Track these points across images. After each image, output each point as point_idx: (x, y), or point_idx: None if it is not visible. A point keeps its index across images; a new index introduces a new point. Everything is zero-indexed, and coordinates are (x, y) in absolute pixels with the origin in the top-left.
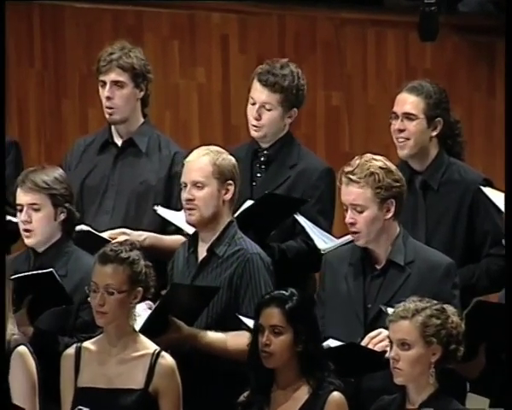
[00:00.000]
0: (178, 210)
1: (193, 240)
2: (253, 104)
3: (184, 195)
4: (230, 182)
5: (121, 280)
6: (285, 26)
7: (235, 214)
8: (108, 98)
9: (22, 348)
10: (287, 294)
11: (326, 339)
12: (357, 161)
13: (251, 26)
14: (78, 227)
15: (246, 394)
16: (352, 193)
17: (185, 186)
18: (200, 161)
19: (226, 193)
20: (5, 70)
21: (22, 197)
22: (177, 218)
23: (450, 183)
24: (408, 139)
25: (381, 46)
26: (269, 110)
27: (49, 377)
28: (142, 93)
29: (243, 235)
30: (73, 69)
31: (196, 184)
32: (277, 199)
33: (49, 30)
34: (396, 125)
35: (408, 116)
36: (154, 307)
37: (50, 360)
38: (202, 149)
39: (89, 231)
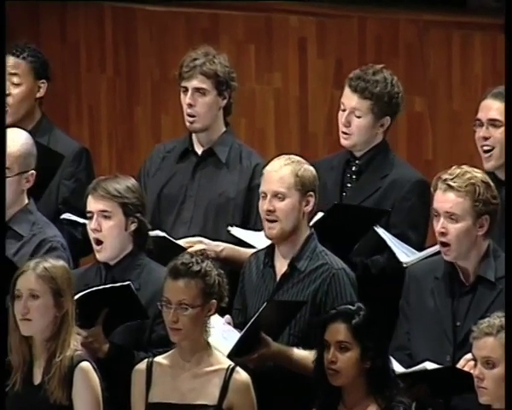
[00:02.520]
0: (257, 224)
1: (268, 253)
2: (343, 110)
3: (264, 206)
4: (311, 194)
5: (194, 295)
6: (365, 28)
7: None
8: (190, 105)
9: (85, 364)
10: (353, 309)
11: (414, 358)
12: (457, 170)
13: (330, 29)
14: (154, 232)
15: None
16: (449, 200)
17: (264, 196)
18: (282, 172)
19: (307, 205)
20: (5, 70)
21: (93, 205)
22: (252, 238)
23: None
24: (493, 148)
25: (467, 50)
26: (358, 117)
27: (122, 392)
28: (225, 101)
29: (324, 248)
30: (146, 75)
31: (277, 195)
32: (349, 210)
33: (121, 34)
34: (480, 132)
35: (493, 123)
36: (246, 326)
37: (126, 375)
38: (284, 159)
39: (164, 237)
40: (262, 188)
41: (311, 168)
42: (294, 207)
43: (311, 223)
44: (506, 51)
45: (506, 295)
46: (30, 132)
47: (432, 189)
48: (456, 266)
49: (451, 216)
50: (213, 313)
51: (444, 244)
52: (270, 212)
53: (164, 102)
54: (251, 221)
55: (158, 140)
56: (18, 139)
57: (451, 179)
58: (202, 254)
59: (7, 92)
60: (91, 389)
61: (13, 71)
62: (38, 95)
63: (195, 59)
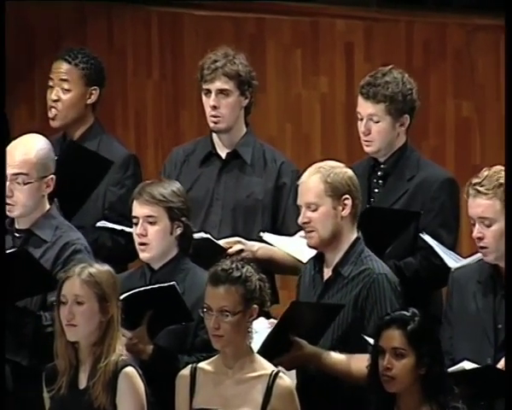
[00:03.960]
0: (285, 223)
1: (317, 259)
2: (361, 119)
3: (300, 218)
4: (347, 196)
5: (235, 301)
6: (413, 33)
7: None
8: (214, 107)
9: (130, 369)
10: (408, 314)
11: (455, 361)
12: (486, 173)
13: (377, 33)
14: (197, 235)
15: None
16: (479, 205)
17: (300, 208)
18: (311, 181)
19: (344, 209)
20: (5, 70)
21: (138, 210)
22: (283, 243)
23: None
24: None
25: None
26: (377, 122)
27: (166, 396)
28: (247, 101)
29: (371, 253)
30: (192, 79)
31: (310, 206)
32: (380, 213)
33: (168, 39)
34: None
35: None
36: (272, 327)
37: (169, 379)
38: (314, 168)
39: (207, 239)
40: (297, 201)
41: (345, 170)
42: (329, 215)
43: None
44: (506, 51)
45: (506, 295)
46: (80, 137)
47: (465, 195)
48: (497, 268)
49: (484, 221)
50: (255, 318)
51: (482, 248)
52: (306, 224)
53: None
54: (278, 220)
55: None
56: (35, 145)
57: (479, 184)
58: (243, 258)
59: (55, 98)
60: (135, 394)
61: (64, 77)
62: (89, 101)
63: (216, 60)
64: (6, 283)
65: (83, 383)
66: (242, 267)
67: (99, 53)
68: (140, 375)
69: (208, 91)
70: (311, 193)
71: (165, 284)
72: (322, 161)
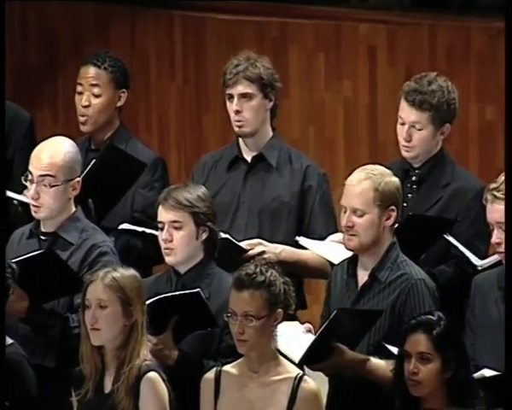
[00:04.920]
0: (311, 226)
1: (351, 263)
2: (403, 124)
3: (343, 221)
4: (393, 208)
5: (259, 306)
6: (436, 37)
7: None
8: (237, 112)
9: (153, 375)
10: (434, 319)
11: (478, 367)
12: (503, 177)
13: (400, 37)
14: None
15: None
16: (497, 211)
17: (344, 211)
18: (361, 187)
19: (388, 219)
20: (5, 70)
21: (164, 215)
22: (320, 248)
23: None
24: None
25: None
26: (419, 130)
27: (191, 402)
28: (271, 103)
29: (406, 258)
30: (215, 83)
31: (356, 211)
32: (420, 220)
33: (191, 43)
34: None
35: None
36: (317, 333)
37: (194, 384)
38: (364, 173)
39: (227, 239)
40: (342, 201)
41: (394, 180)
42: (374, 223)
43: None
44: (506, 51)
45: (506, 295)
46: (107, 141)
47: (484, 201)
48: None
49: (502, 226)
50: (280, 322)
51: (502, 253)
52: (348, 227)
53: None
54: (304, 223)
55: None
56: (62, 148)
57: (496, 189)
58: (267, 262)
59: (86, 103)
60: (158, 399)
61: (94, 82)
62: (118, 104)
63: (238, 65)
64: (32, 285)
65: (108, 387)
66: (266, 271)
67: (121, 57)
68: (164, 380)
69: (231, 96)
70: (359, 199)
71: (190, 291)
72: (344, 164)
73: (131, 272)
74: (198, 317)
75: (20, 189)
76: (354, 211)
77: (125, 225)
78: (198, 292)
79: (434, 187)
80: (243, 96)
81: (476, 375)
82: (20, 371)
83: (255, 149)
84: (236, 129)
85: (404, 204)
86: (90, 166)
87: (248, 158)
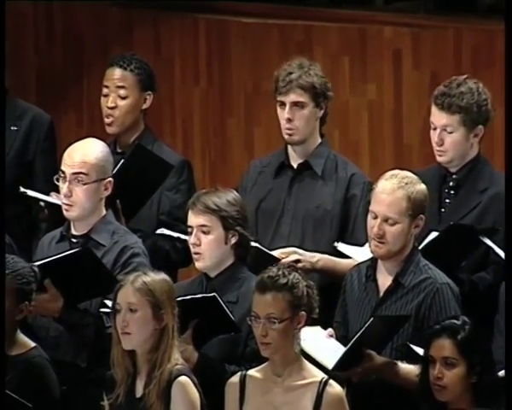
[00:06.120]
0: (354, 234)
1: (371, 266)
2: (434, 129)
3: (374, 228)
4: (422, 216)
5: (282, 308)
6: (461, 39)
7: (420, 246)
8: (289, 120)
9: (184, 379)
10: (458, 323)
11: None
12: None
13: (425, 40)
14: None
15: None
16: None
17: (375, 218)
18: (394, 196)
19: (416, 227)
20: (4, 70)
21: (193, 219)
22: (357, 253)
23: None
24: None
25: None
26: (450, 133)
27: (214, 405)
28: (322, 112)
29: (427, 262)
30: (239, 87)
31: (387, 220)
32: (463, 230)
33: (215, 46)
34: None
35: None
36: (352, 341)
37: (215, 388)
38: (396, 180)
39: (257, 248)
40: (373, 208)
41: (423, 188)
42: (404, 232)
43: (425, 242)
44: (506, 51)
45: (506, 296)
46: (133, 143)
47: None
48: None
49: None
50: (304, 326)
51: None
52: (379, 235)
53: (257, 115)
54: (348, 232)
55: (250, 152)
56: (94, 147)
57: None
58: (290, 266)
59: (113, 105)
60: (189, 403)
61: (120, 84)
62: (144, 106)
63: (291, 72)
64: (67, 284)
65: (139, 392)
66: (289, 274)
67: (146, 60)
68: (195, 384)
69: (283, 103)
70: (392, 209)
71: (205, 295)
72: (368, 168)
73: (162, 275)
74: (218, 321)
75: (44, 190)
76: (386, 219)
77: (161, 230)
78: (214, 296)
79: (472, 192)
80: (295, 104)
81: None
82: (43, 374)
83: (303, 156)
84: (286, 137)
85: (442, 210)
86: (118, 167)
87: (295, 165)
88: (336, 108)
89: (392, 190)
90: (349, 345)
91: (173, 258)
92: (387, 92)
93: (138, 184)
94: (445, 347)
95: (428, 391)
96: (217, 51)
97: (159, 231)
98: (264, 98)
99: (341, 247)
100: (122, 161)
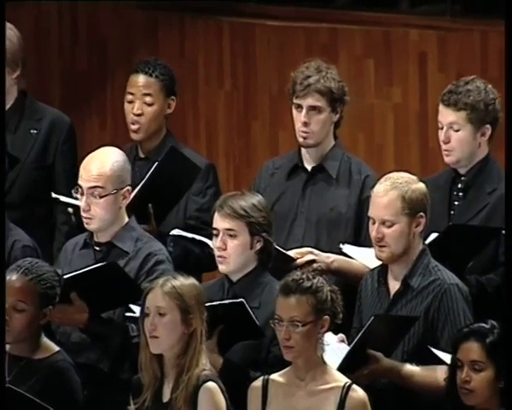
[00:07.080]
0: (368, 237)
1: (382, 271)
2: (441, 128)
3: (373, 232)
4: (422, 214)
5: (305, 311)
6: (488, 42)
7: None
8: (305, 124)
9: (211, 384)
10: (487, 327)
11: None
12: None
13: (451, 42)
14: None
15: None
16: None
17: (373, 222)
18: (388, 197)
19: (417, 226)
20: (4, 70)
21: (219, 223)
22: (363, 255)
23: None
24: None
25: None
26: (457, 130)
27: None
28: (338, 116)
29: (437, 263)
30: (264, 90)
31: (385, 222)
32: (462, 230)
33: (240, 49)
34: None
35: None
36: (353, 341)
37: (239, 394)
38: (389, 181)
39: (274, 248)
40: (370, 213)
41: (420, 186)
42: (403, 232)
43: (426, 242)
44: (506, 51)
45: (506, 297)
46: (156, 148)
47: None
48: None
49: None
50: (327, 330)
51: None
52: (379, 239)
53: (281, 117)
54: (362, 234)
55: (275, 155)
56: (110, 158)
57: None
58: (314, 269)
59: (139, 112)
60: (215, 409)
61: (146, 91)
62: (168, 111)
63: (309, 76)
64: (92, 296)
65: (166, 396)
66: (313, 278)
67: (171, 63)
68: (222, 391)
69: (299, 106)
70: (387, 210)
71: (233, 301)
72: (394, 171)
73: (191, 280)
74: (243, 327)
75: (64, 193)
76: (383, 222)
77: (176, 231)
78: (242, 302)
79: (480, 193)
80: (313, 108)
81: None
82: (67, 378)
83: (316, 159)
84: (301, 140)
85: (452, 212)
86: (151, 171)
87: (309, 167)
88: (361, 111)
89: (386, 191)
90: (352, 345)
91: (203, 262)
92: (413, 95)
93: (169, 187)
94: (472, 350)
95: (456, 395)
96: (241, 54)
97: (173, 232)
98: (289, 101)
99: (346, 248)
100: (155, 164)
